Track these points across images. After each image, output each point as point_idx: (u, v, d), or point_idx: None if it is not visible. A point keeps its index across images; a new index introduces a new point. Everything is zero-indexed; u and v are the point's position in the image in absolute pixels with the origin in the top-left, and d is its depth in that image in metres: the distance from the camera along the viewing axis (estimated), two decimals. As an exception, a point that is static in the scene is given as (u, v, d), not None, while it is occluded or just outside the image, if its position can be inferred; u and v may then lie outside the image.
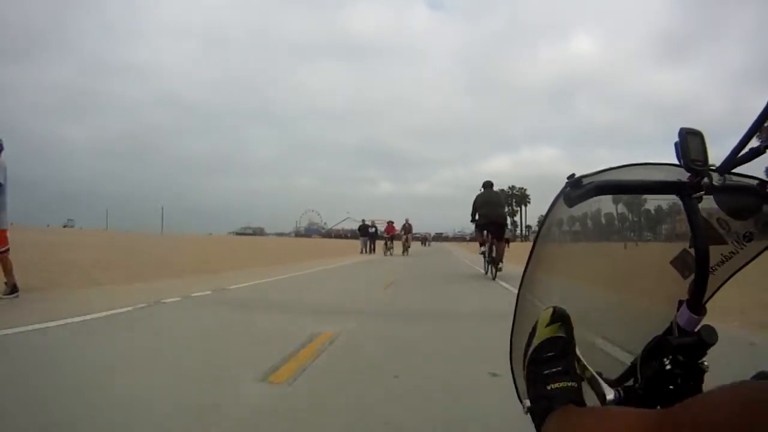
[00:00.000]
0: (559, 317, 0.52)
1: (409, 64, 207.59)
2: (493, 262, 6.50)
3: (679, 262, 0.51)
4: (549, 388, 0.48)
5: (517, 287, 0.54)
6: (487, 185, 7.19)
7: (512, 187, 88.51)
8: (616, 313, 0.55)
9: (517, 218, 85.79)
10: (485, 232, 6.82)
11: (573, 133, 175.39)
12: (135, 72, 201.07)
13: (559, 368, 0.49)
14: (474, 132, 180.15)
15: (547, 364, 0.50)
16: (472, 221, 7.18)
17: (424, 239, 44.56)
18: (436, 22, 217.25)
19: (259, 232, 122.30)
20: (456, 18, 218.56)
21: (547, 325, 0.53)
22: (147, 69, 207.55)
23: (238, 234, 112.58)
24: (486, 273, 6.99)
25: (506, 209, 9.84)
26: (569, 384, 0.48)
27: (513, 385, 0.52)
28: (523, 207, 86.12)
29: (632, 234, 0.62)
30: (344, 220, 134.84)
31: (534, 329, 0.54)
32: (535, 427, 0.48)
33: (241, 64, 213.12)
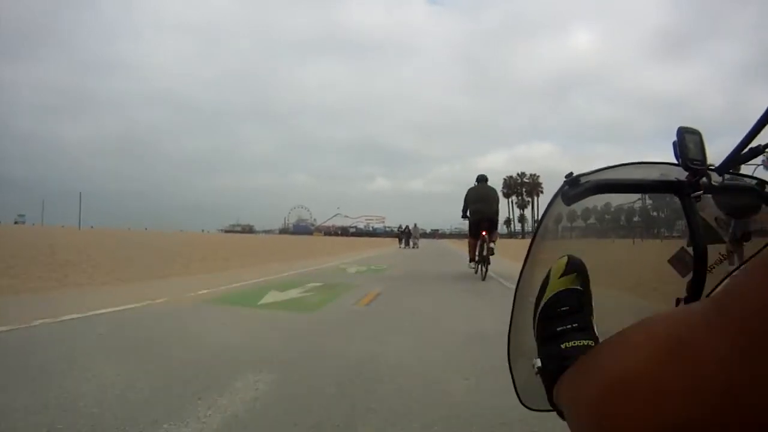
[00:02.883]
0: (575, 267, 0.50)
1: (405, 60, 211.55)
2: (483, 260, 6.47)
3: (677, 261, 0.54)
4: (563, 347, 0.45)
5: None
6: (481, 179, 7.18)
7: (522, 174, 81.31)
8: (614, 312, 0.59)
9: (527, 211, 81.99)
10: (481, 233, 6.71)
11: (570, 130, 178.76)
12: (129, 69, 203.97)
13: (575, 324, 0.47)
14: (471, 128, 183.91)
15: (561, 320, 0.48)
16: (463, 217, 7.14)
17: (406, 234, 26.98)
18: (433, 16, 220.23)
19: (247, 230, 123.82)
20: (453, 13, 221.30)
21: (561, 276, 0.50)
22: (141, 66, 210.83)
23: (226, 231, 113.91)
24: (476, 272, 6.93)
25: (500, 204, 7.71)
26: (586, 342, 0.45)
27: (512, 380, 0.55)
28: (535, 198, 79.90)
29: (630, 233, 0.65)
30: (334, 216, 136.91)
31: (546, 281, 0.51)
32: (546, 390, 0.46)
33: (236, 61, 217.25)
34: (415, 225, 26.84)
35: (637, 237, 0.65)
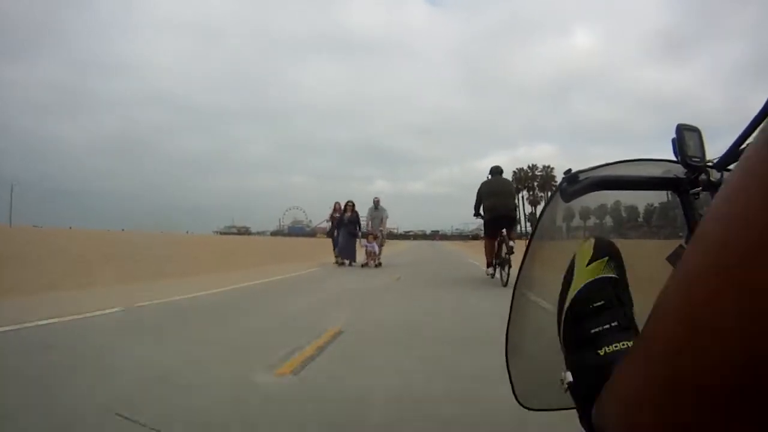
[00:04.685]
0: (606, 249, 0.46)
1: (405, 60, 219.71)
2: (503, 263, 6.01)
3: (675, 259, 0.58)
4: (601, 352, 0.40)
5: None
6: (495, 171, 6.71)
7: (533, 167, 75.25)
8: None
9: (539, 207, 79.57)
10: (499, 231, 6.21)
11: (571, 130, 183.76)
12: (127, 69, 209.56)
13: (614, 323, 0.41)
14: (470, 129, 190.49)
15: (596, 319, 0.42)
16: (475, 215, 6.67)
17: (348, 228, 10.36)
18: (432, 16, 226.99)
19: (243, 231, 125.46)
20: (453, 13, 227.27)
21: (589, 263, 0.45)
22: (138, 66, 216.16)
23: (222, 233, 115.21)
24: (493, 276, 6.44)
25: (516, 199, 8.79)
26: (630, 344, 0.39)
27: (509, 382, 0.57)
28: (548, 193, 78.67)
29: (628, 230, 0.69)
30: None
31: (570, 271, 0.46)
32: (578, 409, 0.40)
33: (234, 61, 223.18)
34: (376, 203, 11.17)
35: (635, 235, 0.69)
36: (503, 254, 6.00)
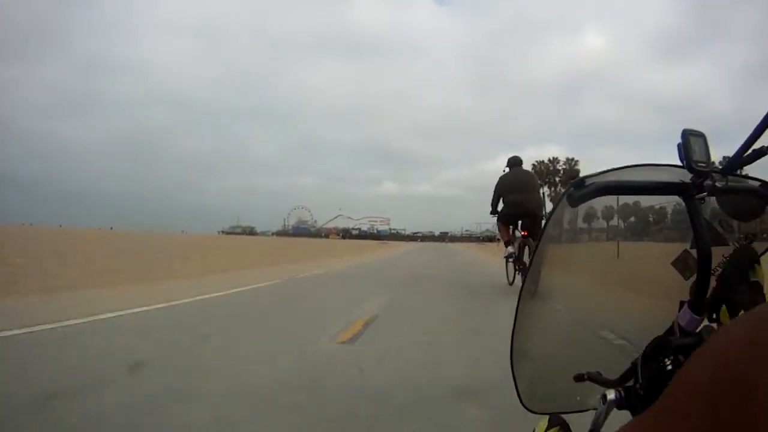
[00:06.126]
0: (556, 422, 0.59)
1: (413, 61, 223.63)
2: (525, 269, 5.26)
3: (681, 263, 0.60)
4: None
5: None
6: (515, 162, 5.96)
7: (553, 160, 65.57)
8: (617, 313, 0.65)
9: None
10: (512, 227, 5.78)
11: (579, 132, 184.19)
12: (130, 70, 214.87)
13: None
14: (478, 131, 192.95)
15: None
16: (492, 213, 5.94)
17: None
18: (440, 17, 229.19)
19: (248, 231, 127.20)
20: (461, 13, 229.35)
21: None
22: (143, 67, 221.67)
23: (227, 233, 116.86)
24: (512, 283, 5.83)
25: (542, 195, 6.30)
26: None
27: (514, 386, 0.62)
28: None
29: (634, 235, 0.71)
30: (335, 217, 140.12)
31: None
32: None
33: (240, 62, 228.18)
34: None
35: (640, 240, 0.71)
36: (525, 259, 5.46)
